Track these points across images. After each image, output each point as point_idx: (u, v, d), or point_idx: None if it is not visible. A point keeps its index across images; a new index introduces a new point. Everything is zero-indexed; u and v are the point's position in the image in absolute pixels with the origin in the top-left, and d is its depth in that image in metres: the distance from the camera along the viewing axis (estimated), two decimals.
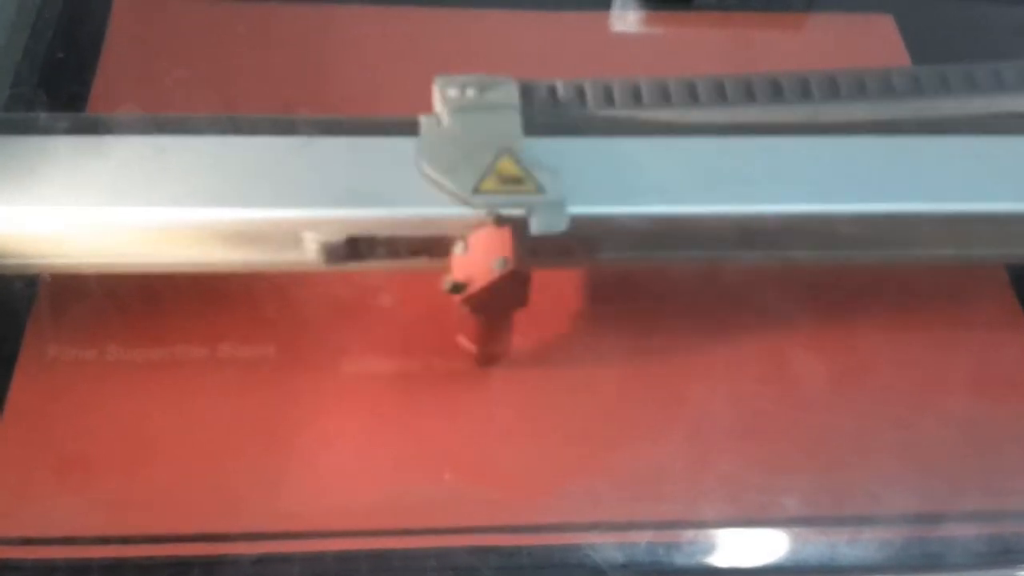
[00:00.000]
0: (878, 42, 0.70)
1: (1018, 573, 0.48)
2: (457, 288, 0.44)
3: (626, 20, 0.71)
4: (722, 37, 0.70)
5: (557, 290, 0.54)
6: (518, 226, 0.43)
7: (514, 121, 0.46)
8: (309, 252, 0.45)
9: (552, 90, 0.50)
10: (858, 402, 0.52)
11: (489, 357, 0.51)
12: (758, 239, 0.48)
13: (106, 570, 0.44)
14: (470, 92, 0.47)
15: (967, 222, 0.48)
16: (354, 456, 0.48)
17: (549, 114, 0.49)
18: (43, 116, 0.48)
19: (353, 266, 0.46)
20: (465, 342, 0.49)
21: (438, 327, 0.52)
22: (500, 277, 0.43)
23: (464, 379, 0.51)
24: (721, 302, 0.55)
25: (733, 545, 0.47)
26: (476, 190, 0.44)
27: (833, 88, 0.51)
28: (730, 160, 0.47)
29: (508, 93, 0.47)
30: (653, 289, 0.55)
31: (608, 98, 0.50)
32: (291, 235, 0.45)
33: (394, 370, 0.51)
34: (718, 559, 0.46)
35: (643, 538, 0.46)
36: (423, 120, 0.46)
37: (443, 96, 0.47)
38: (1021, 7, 0.75)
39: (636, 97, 0.50)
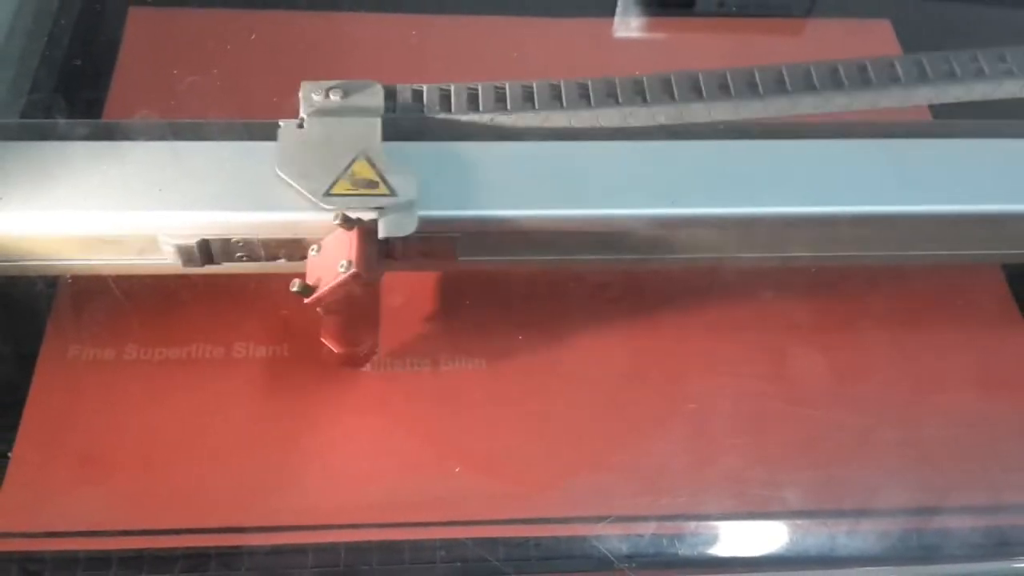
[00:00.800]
0: (876, 47, 0.71)
1: (1015, 564, 0.49)
2: (304, 290, 0.44)
3: (628, 25, 0.72)
4: (722, 42, 0.71)
5: (559, 288, 0.56)
6: (367, 229, 0.44)
7: (374, 125, 0.46)
8: (167, 255, 0.46)
9: (417, 94, 0.50)
10: (858, 398, 0.53)
11: (353, 358, 0.51)
12: (615, 242, 0.49)
13: (125, 562, 0.45)
14: (334, 96, 0.47)
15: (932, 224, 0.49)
16: (366, 451, 0.49)
17: (410, 119, 0.49)
18: (61, 123, 0.49)
19: (212, 268, 0.47)
20: (328, 343, 0.50)
21: (441, 326, 0.53)
22: (344, 280, 0.43)
23: (471, 376, 0.52)
24: (723, 301, 0.56)
25: (736, 536, 0.48)
26: (328, 193, 0.44)
27: (697, 87, 0.51)
28: (584, 163, 0.48)
29: (372, 96, 0.48)
30: (656, 288, 0.56)
31: (472, 102, 0.50)
32: (149, 239, 0.45)
33: (405, 368, 0.52)
34: (721, 550, 0.48)
35: (648, 530, 0.47)
36: (282, 124, 0.47)
37: (307, 100, 0.47)
38: (1018, 11, 0.76)
39: (500, 101, 0.50)
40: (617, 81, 0.51)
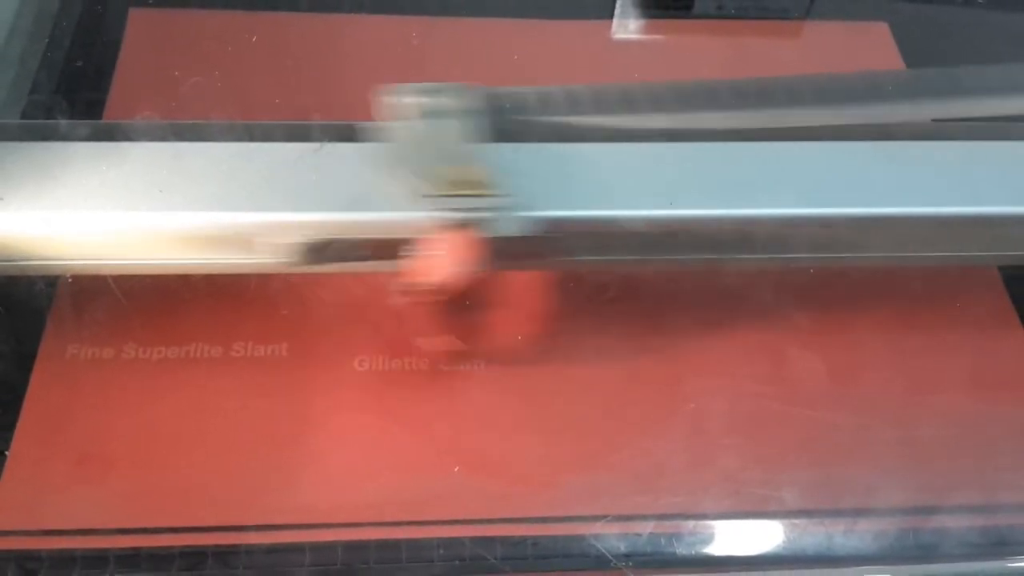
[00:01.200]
0: (873, 50, 0.71)
1: (1011, 564, 0.49)
2: (411, 290, 0.45)
3: (627, 28, 0.72)
4: (721, 45, 0.72)
5: (563, 288, 0.56)
6: (473, 230, 0.44)
7: (475, 127, 0.47)
8: (275, 253, 0.46)
9: (517, 97, 0.50)
10: (855, 399, 0.53)
11: (451, 358, 0.52)
12: (719, 243, 0.49)
13: (123, 560, 0.45)
14: (433, 98, 0.47)
15: (938, 225, 0.49)
16: (364, 450, 0.49)
17: (511, 120, 0.49)
18: (62, 123, 0.49)
19: (313, 268, 0.47)
20: (427, 343, 0.51)
21: (443, 325, 0.54)
22: (450, 279, 0.44)
23: (471, 375, 0.52)
24: (721, 301, 0.56)
25: (734, 535, 0.48)
26: (432, 195, 0.44)
27: (798, 93, 0.51)
28: (688, 165, 0.48)
29: (471, 99, 0.48)
30: (654, 288, 0.56)
31: (573, 105, 0.50)
32: (250, 238, 0.45)
33: (403, 366, 0.52)
34: (719, 549, 0.48)
35: (646, 529, 0.47)
36: (384, 125, 0.47)
37: (405, 102, 0.47)
38: (1016, 14, 0.77)
39: (601, 104, 0.50)
40: (716, 84, 0.51)
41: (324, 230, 0.45)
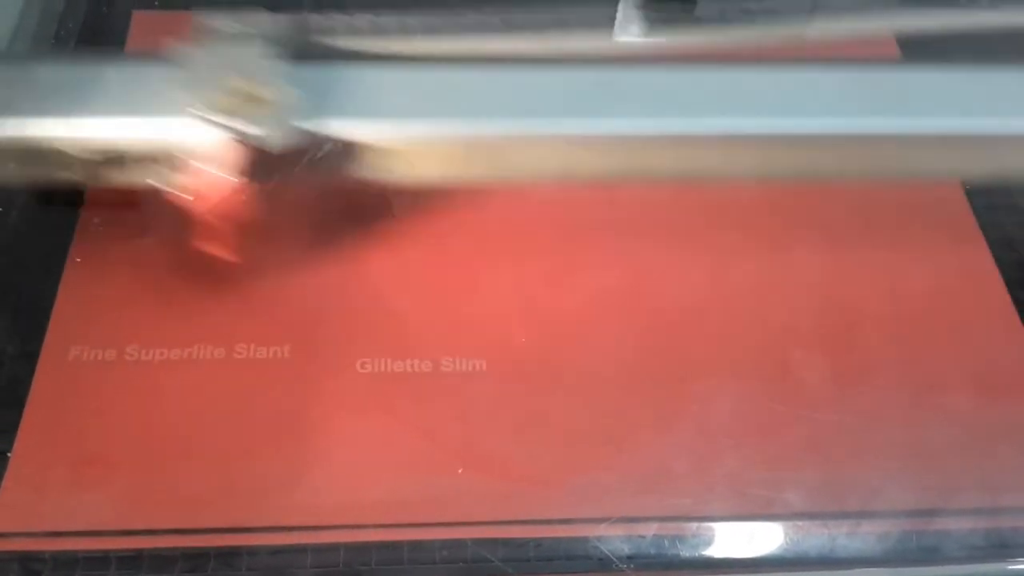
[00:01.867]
0: (876, 49, 0.71)
1: (1016, 567, 0.49)
2: (183, 195, 0.47)
3: (629, 31, 0.72)
4: (724, 50, 0.71)
5: (561, 287, 0.56)
6: (245, 138, 0.46)
7: (263, 47, 0.48)
8: (69, 167, 0.48)
9: (310, 20, 0.52)
10: (859, 401, 0.53)
11: (231, 269, 0.53)
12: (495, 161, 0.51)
13: (125, 562, 0.45)
14: (225, 22, 0.49)
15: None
16: (366, 452, 0.49)
17: (298, 42, 0.50)
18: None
19: (101, 179, 0.49)
20: (207, 250, 0.51)
21: (445, 328, 0.54)
22: (215, 184, 0.46)
23: (472, 376, 0.52)
24: (725, 302, 0.56)
25: (738, 537, 0.48)
26: (210, 107, 0.46)
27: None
28: (488, 87, 0.50)
29: (261, 22, 0.49)
30: (657, 287, 0.56)
31: (378, 31, 0.52)
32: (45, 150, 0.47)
33: (406, 369, 0.52)
34: (723, 551, 0.48)
35: (649, 530, 0.47)
36: (176, 47, 0.48)
37: (199, 26, 0.49)
38: (1017, 15, 0.76)
39: (405, 31, 0.53)
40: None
41: (106, 142, 0.47)
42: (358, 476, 0.48)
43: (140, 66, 0.50)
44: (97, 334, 0.52)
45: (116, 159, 0.48)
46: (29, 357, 0.51)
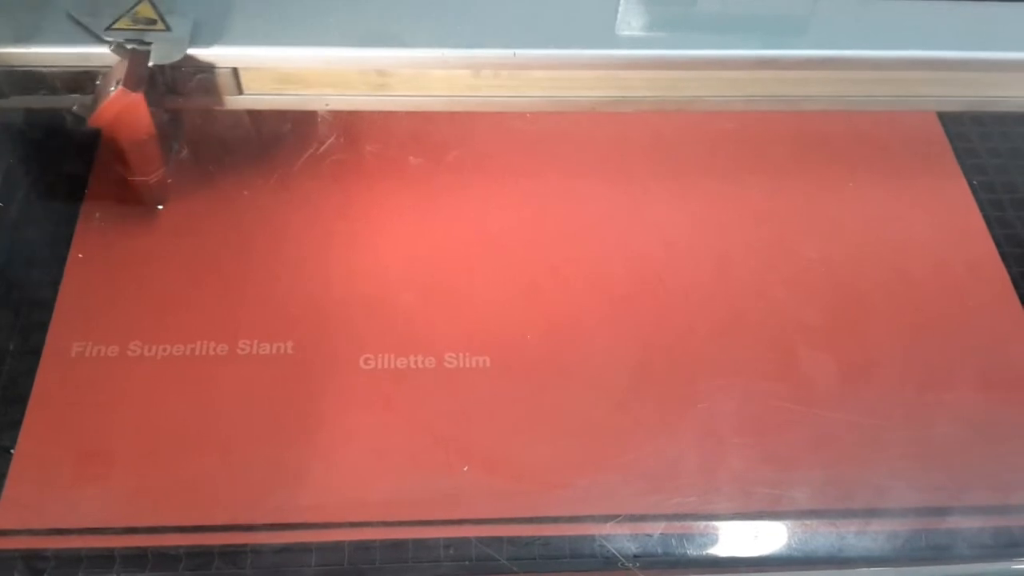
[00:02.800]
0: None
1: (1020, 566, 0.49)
2: (84, 109, 0.51)
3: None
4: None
5: (566, 286, 0.56)
6: (139, 55, 0.50)
7: None
8: None
9: None
10: (866, 399, 0.52)
11: (144, 189, 0.56)
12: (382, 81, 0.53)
13: (129, 560, 0.45)
14: None
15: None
16: (370, 450, 0.49)
17: None
18: None
19: (14, 102, 0.53)
20: (119, 170, 0.56)
21: (453, 327, 0.53)
22: (113, 98, 0.49)
23: (476, 374, 0.52)
24: (731, 301, 0.56)
25: (744, 536, 0.48)
26: (109, 28, 0.50)
27: None
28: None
29: None
30: (664, 285, 0.56)
31: None
32: None
33: (408, 365, 0.52)
34: (729, 550, 0.47)
35: (655, 529, 0.47)
36: None
37: None
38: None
39: None
40: None
41: (18, 61, 0.51)
42: (362, 474, 0.48)
43: None
44: (100, 330, 0.52)
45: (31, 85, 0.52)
46: (32, 354, 0.51)
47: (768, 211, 0.60)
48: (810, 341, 0.54)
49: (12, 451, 0.47)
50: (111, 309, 0.53)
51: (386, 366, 0.52)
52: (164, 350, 0.51)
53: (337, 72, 0.53)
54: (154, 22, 0.51)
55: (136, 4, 0.51)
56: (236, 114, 0.60)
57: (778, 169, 0.63)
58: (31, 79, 0.52)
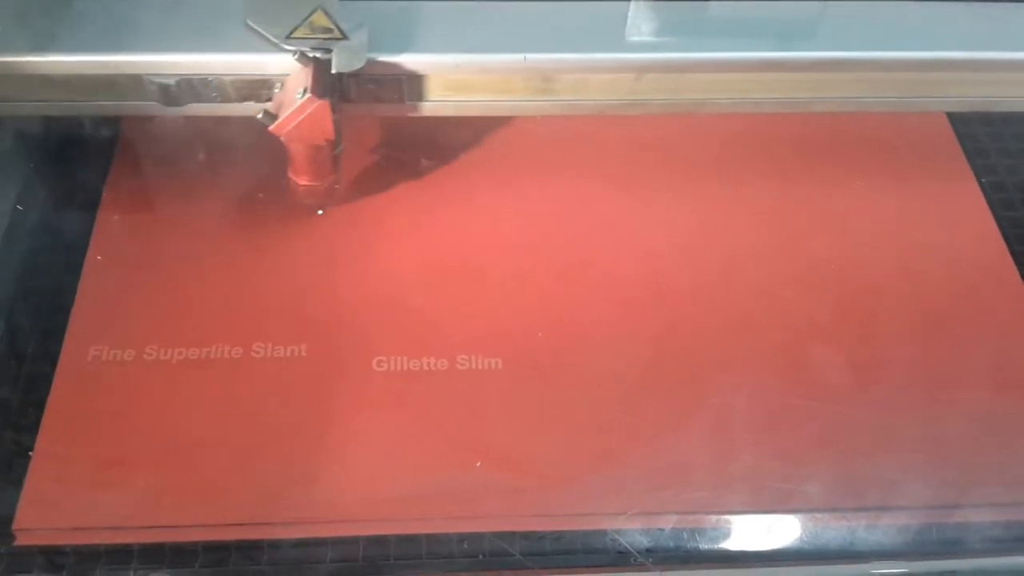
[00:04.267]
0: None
1: None
2: (268, 117, 0.51)
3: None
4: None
5: (576, 286, 0.56)
6: (322, 64, 0.51)
7: None
8: (150, 93, 0.53)
9: None
10: (876, 396, 0.53)
11: (315, 192, 0.57)
12: (546, 86, 0.56)
13: (147, 555, 0.45)
14: None
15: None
16: (384, 447, 0.49)
17: None
18: None
19: (190, 109, 0.54)
20: (293, 176, 0.57)
21: (467, 327, 0.54)
22: (300, 105, 0.50)
23: (489, 373, 0.52)
24: (741, 300, 0.56)
25: (755, 531, 0.48)
26: (289, 37, 0.51)
27: None
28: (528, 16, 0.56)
29: None
30: (673, 284, 0.56)
31: None
32: (134, 78, 0.53)
33: (421, 366, 0.52)
34: (740, 544, 0.48)
35: (667, 524, 0.47)
36: None
37: None
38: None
39: None
40: None
41: (187, 70, 0.52)
42: (376, 471, 0.48)
43: None
44: (116, 334, 0.52)
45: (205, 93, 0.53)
46: (49, 357, 0.51)
47: (778, 212, 0.61)
48: (820, 339, 0.55)
49: (31, 452, 0.48)
50: (128, 313, 0.53)
51: (399, 368, 0.52)
52: (180, 353, 0.52)
53: (503, 78, 0.55)
54: (330, 31, 0.51)
55: (311, 13, 0.51)
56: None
57: (787, 170, 0.63)
58: (206, 86, 0.53)
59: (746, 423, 0.51)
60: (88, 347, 0.52)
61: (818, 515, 0.48)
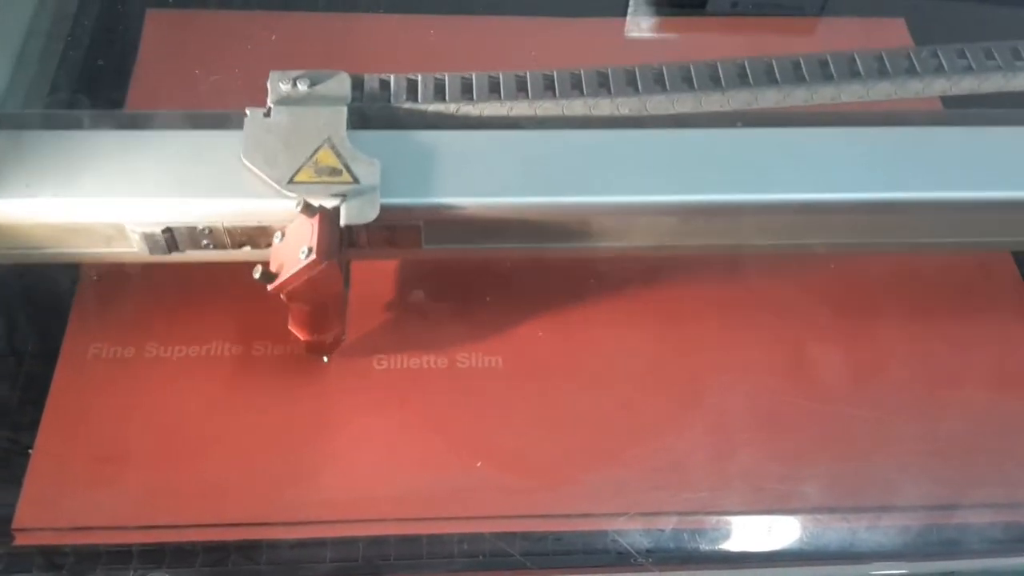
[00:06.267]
0: (890, 45, 0.71)
1: None
2: (266, 277, 0.44)
3: (641, 25, 0.72)
4: (736, 42, 0.71)
5: (576, 285, 0.56)
6: (329, 216, 0.43)
7: (339, 114, 0.46)
8: (133, 244, 0.46)
9: (384, 83, 0.49)
10: (876, 395, 0.53)
11: (319, 346, 0.50)
12: (581, 231, 0.49)
13: (147, 556, 0.45)
14: (301, 85, 0.47)
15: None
16: (384, 447, 0.49)
17: (376, 107, 0.48)
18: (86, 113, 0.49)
19: (179, 256, 0.46)
20: (295, 331, 0.49)
21: (459, 328, 0.54)
22: (304, 267, 0.42)
23: (488, 373, 0.52)
24: (740, 298, 0.56)
25: (755, 531, 0.48)
26: (292, 181, 0.44)
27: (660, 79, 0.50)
28: (552, 151, 0.48)
29: (338, 86, 0.47)
30: (673, 283, 0.56)
31: (439, 92, 0.49)
32: (115, 226, 0.45)
33: (421, 366, 0.52)
34: (740, 544, 0.48)
35: (668, 524, 0.47)
36: (249, 113, 0.46)
37: (274, 89, 0.47)
38: None
39: (466, 91, 0.49)
40: (582, 73, 0.50)
41: (184, 217, 0.45)
42: (376, 471, 0.48)
43: (207, 132, 0.46)
44: (116, 332, 0.52)
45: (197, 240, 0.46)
46: (49, 355, 0.51)
47: None
48: (819, 337, 0.54)
49: (30, 451, 0.48)
50: (127, 310, 0.53)
51: (399, 367, 0.52)
52: (180, 351, 0.52)
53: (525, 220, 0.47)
54: (339, 172, 0.44)
55: (316, 150, 0.44)
56: None
57: None
58: (199, 234, 0.45)
59: (746, 423, 0.51)
60: (88, 344, 0.52)
61: (818, 516, 0.48)
